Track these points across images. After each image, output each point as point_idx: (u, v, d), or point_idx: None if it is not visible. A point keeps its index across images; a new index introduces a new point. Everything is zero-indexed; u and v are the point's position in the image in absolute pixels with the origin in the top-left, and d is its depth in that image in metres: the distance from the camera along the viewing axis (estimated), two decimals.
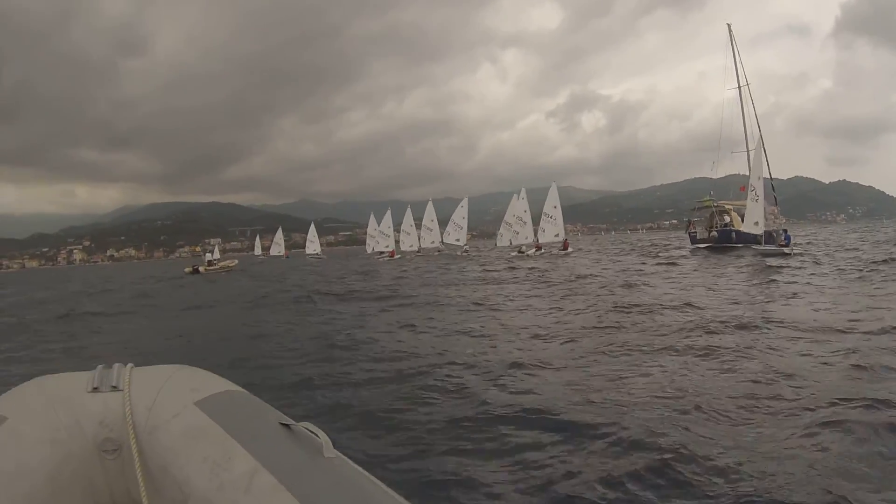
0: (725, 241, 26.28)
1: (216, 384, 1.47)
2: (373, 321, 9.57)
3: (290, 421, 1.37)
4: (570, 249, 34.34)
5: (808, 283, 11.60)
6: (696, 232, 29.23)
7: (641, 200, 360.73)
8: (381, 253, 46.10)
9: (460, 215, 43.97)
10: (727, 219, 29.09)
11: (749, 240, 24.21)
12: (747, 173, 24.65)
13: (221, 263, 39.78)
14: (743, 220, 25.22)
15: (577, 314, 8.96)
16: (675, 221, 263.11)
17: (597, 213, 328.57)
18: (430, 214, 47.09)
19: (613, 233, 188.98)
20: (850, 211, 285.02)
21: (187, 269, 37.55)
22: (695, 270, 16.85)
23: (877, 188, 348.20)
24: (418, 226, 47.78)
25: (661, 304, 9.18)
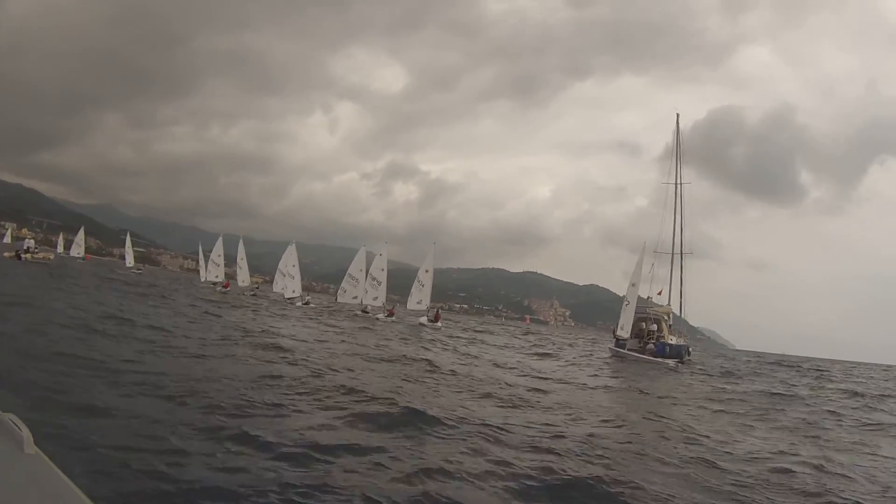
0: (660, 355, 24.04)
1: None
2: None
3: None
4: (439, 324, 30.60)
5: None
6: (625, 341, 25.96)
7: (437, 279, 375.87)
8: (215, 283, 43.41)
9: (290, 263, 35.99)
10: (654, 327, 26.66)
11: (674, 354, 24.18)
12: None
13: (42, 254, 40.18)
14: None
15: None
16: (465, 306, 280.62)
17: (392, 284, 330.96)
18: (240, 253, 43.46)
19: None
20: None
21: (7, 254, 37.54)
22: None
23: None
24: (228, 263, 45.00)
25: None
